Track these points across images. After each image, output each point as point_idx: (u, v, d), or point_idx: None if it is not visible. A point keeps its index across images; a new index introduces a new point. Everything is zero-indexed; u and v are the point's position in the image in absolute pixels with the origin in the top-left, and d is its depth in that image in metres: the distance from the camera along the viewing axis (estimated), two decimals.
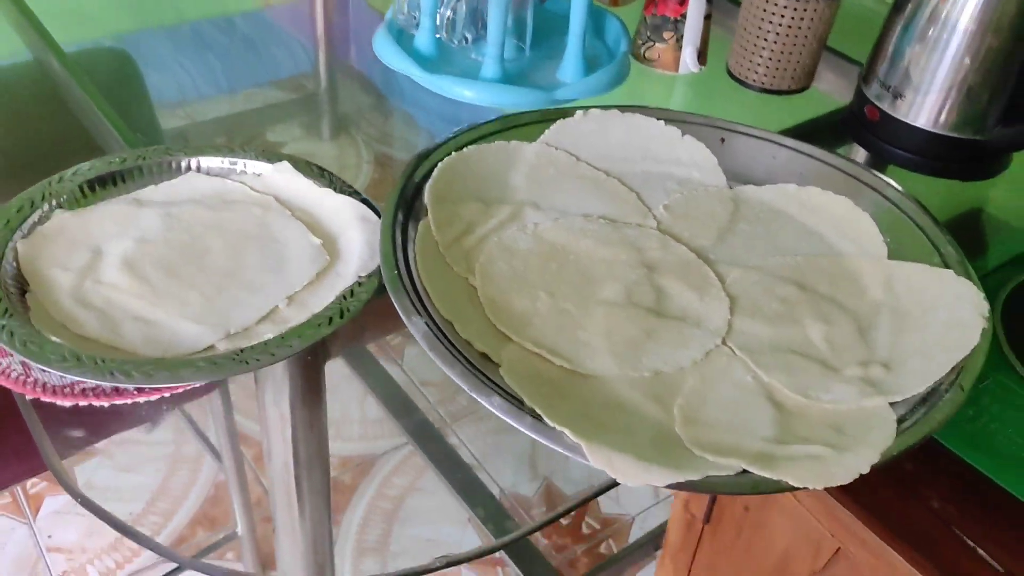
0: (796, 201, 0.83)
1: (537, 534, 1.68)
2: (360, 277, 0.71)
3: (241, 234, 0.76)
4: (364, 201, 0.79)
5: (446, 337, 0.62)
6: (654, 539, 1.66)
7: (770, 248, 0.78)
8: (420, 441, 1.64)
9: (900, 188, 0.80)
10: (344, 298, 0.70)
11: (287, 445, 0.75)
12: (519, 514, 1.64)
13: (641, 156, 0.87)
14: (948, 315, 0.69)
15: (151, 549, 1.59)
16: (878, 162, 0.97)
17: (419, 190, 0.77)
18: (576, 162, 0.85)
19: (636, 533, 1.72)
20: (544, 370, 0.64)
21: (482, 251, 0.73)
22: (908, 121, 0.93)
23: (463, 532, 1.64)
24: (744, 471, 0.56)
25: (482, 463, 1.53)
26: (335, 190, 0.80)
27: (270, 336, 0.66)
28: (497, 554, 1.61)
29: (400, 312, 0.63)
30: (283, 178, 0.82)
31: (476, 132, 0.83)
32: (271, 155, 0.83)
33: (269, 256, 0.74)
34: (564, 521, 1.71)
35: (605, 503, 1.76)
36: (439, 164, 0.79)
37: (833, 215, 0.81)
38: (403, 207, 0.74)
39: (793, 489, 0.55)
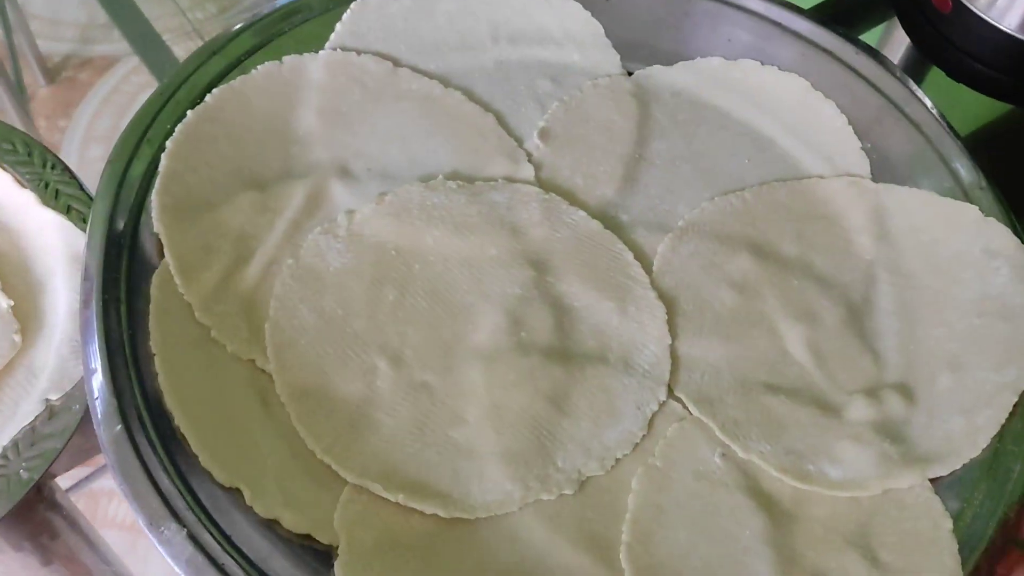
0: (725, 86, 0.55)
1: None
2: (50, 400, 0.42)
3: None
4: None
5: (232, 547, 0.36)
6: None
7: (700, 178, 0.52)
8: None
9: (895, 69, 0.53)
10: (27, 439, 0.41)
11: None
12: None
13: (490, 37, 0.56)
14: (981, 285, 0.47)
15: None
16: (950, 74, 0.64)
17: (143, 197, 0.46)
18: (393, 71, 0.54)
19: None
20: (405, 532, 0.40)
21: (271, 295, 0.45)
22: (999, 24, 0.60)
23: None
24: None
25: None
26: (45, 187, 0.48)
27: None
28: None
29: (140, 521, 0.36)
30: None
31: (222, 57, 0.51)
32: None
33: None
34: None
35: None
36: (167, 142, 0.47)
37: (783, 106, 0.55)
38: (127, 243, 0.44)
39: None
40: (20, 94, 1.44)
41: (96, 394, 0.38)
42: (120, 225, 0.44)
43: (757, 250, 0.49)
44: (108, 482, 1.08)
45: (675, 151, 0.53)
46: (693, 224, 0.50)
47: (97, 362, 0.39)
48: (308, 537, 0.38)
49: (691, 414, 0.44)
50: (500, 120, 0.53)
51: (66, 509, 0.49)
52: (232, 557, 0.36)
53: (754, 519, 0.41)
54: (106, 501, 1.03)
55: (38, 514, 0.46)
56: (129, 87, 1.58)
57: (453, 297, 0.46)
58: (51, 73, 1.56)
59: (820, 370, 0.46)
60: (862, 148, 0.53)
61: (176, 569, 0.35)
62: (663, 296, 0.47)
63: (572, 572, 0.39)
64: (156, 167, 0.46)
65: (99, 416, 0.38)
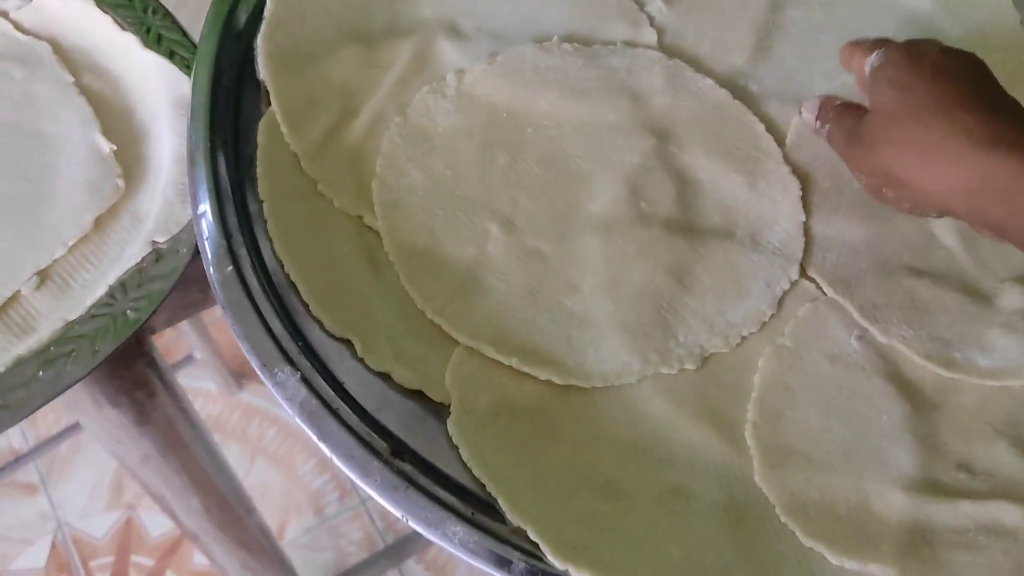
0: None
1: None
2: (157, 242, 0.41)
3: None
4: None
5: (345, 396, 0.35)
6: None
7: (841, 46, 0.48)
8: None
9: None
10: (134, 280, 0.39)
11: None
12: None
13: None
14: None
15: None
16: None
17: (249, 42, 0.44)
18: None
19: None
20: (519, 395, 0.37)
21: (378, 152, 0.43)
22: None
23: None
24: None
25: None
26: (146, 31, 0.45)
27: (3, 361, 0.37)
28: None
29: (253, 363, 0.35)
30: (66, 7, 0.47)
31: None
32: None
33: (21, 174, 0.42)
34: None
35: None
36: None
37: None
38: (230, 89, 0.42)
39: None
40: None
41: (206, 234, 0.37)
42: (226, 69, 0.42)
43: None
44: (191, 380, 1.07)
45: (813, 20, 0.49)
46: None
47: (206, 204, 0.37)
48: (419, 394, 0.36)
49: (824, 295, 0.41)
50: None
51: (164, 370, 0.49)
52: (346, 403, 0.34)
53: (894, 405, 0.38)
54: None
55: (138, 368, 0.45)
56: None
57: (568, 164, 0.43)
58: None
59: (970, 256, 0.42)
60: (1021, 22, 0.48)
61: (290, 411, 0.33)
62: (797, 171, 0.44)
63: (695, 448, 0.37)
64: (261, 13, 0.44)
65: (209, 257, 0.36)
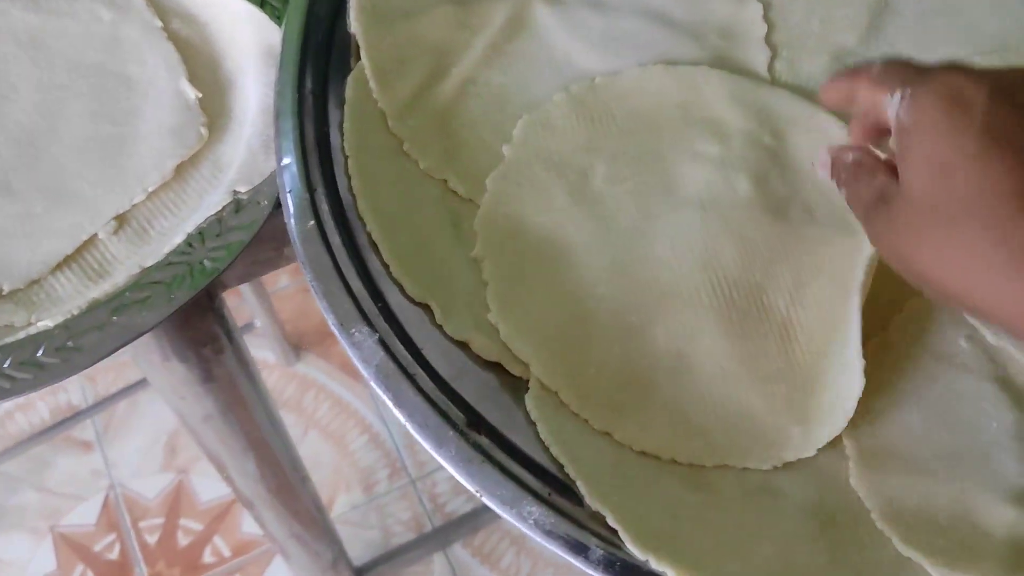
0: None
1: None
2: (239, 192, 0.40)
3: (70, 65, 0.43)
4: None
5: (422, 362, 0.33)
6: None
7: (957, 36, 0.45)
8: None
9: None
10: (213, 229, 0.38)
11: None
12: None
13: None
14: None
15: None
16: None
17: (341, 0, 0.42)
18: None
19: None
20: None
21: (466, 115, 0.41)
22: None
23: None
24: None
25: None
26: None
27: (77, 303, 0.37)
28: None
29: (330, 321, 0.33)
30: None
31: None
32: None
33: (105, 117, 0.42)
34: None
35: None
36: None
37: None
38: (320, 42, 0.41)
39: None
40: None
41: (289, 187, 0.36)
42: (317, 20, 0.41)
43: None
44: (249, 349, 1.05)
45: (929, 2, 0.46)
46: None
47: (291, 155, 0.36)
48: (497, 365, 0.35)
49: None
50: None
51: (232, 328, 0.48)
52: (423, 370, 0.32)
53: (1003, 412, 0.35)
54: None
55: (207, 323, 0.44)
56: None
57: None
58: None
59: None
60: None
61: (365, 374, 0.32)
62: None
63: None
64: None
65: (291, 210, 0.35)
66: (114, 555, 1.07)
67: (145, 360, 0.45)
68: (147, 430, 1.14)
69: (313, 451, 1.12)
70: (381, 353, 0.32)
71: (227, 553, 1.06)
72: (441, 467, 0.32)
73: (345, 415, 1.15)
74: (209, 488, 1.10)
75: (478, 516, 1.03)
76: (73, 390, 1.18)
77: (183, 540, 1.07)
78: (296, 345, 1.19)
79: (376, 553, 1.01)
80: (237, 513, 1.08)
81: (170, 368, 0.46)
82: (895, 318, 0.37)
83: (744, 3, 0.46)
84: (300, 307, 1.21)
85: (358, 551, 1.02)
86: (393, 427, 1.13)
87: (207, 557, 1.06)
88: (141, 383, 1.13)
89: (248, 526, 1.07)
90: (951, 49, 0.44)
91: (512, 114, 0.42)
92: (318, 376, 1.18)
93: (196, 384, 0.48)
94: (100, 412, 1.15)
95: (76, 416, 1.15)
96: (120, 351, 0.36)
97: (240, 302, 1.10)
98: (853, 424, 0.35)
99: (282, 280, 1.23)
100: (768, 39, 0.45)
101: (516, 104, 0.42)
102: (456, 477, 0.31)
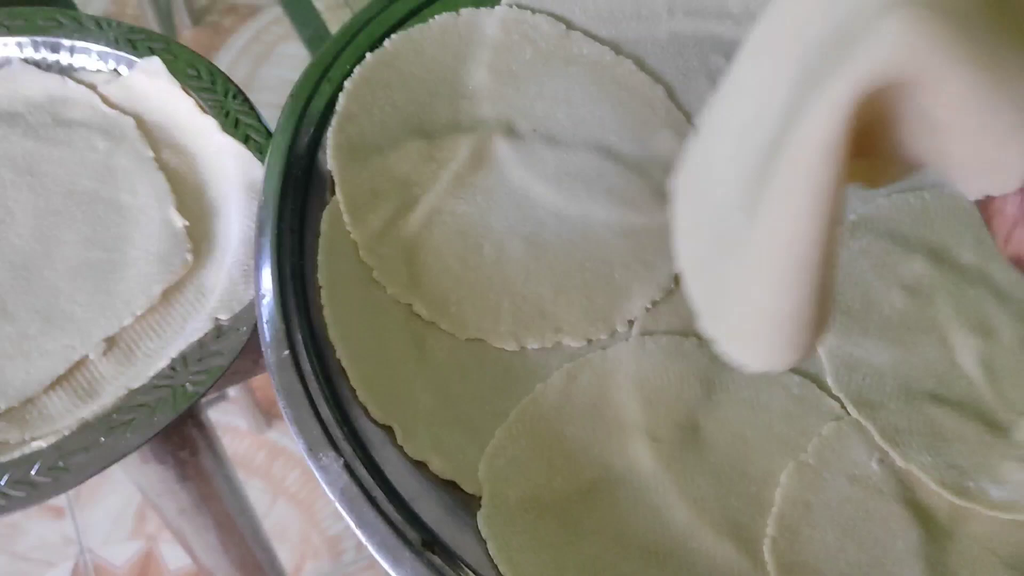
0: None
1: None
2: (220, 320, 0.43)
3: (65, 191, 0.47)
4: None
5: (383, 483, 0.37)
6: None
7: None
8: None
9: None
10: (195, 354, 0.42)
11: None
12: None
13: (666, 9, 0.55)
14: None
15: None
16: None
17: (320, 133, 0.47)
18: (566, 33, 0.53)
19: None
20: (547, 492, 0.39)
21: (432, 244, 0.45)
22: None
23: None
24: None
25: None
26: (225, 115, 0.49)
27: (67, 423, 0.40)
28: None
29: (300, 446, 0.37)
30: (152, 86, 0.50)
31: (402, 3, 0.51)
32: (139, 36, 0.51)
33: (97, 243, 0.46)
34: None
35: None
36: (346, 83, 0.48)
37: None
38: (299, 177, 0.45)
39: None
40: (169, 32, 1.48)
41: (266, 318, 0.39)
42: (297, 158, 0.45)
43: (933, 254, 0.47)
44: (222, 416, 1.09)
45: None
46: (866, 220, 0.47)
47: (269, 287, 0.40)
48: (454, 484, 0.38)
49: (848, 415, 0.42)
50: (670, 93, 0.52)
51: (209, 431, 0.51)
52: (384, 492, 0.36)
53: (908, 530, 0.39)
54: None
55: (185, 429, 0.48)
56: (269, 37, 1.62)
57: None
58: (197, 15, 1.62)
59: (991, 386, 0.43)
60: None
61: (331, 497, 0.35)
62: None
63: (714, 558, 0.38)
64: (333, 106, 0.47)
65: (268, 339, 0.39)
66: None
67: (124, 463, 0.48)
68: (118, 496, 1.16)
69: (281, 518, 1.13)
70: (345, 477, 0.36)
71: None
72: None
73: (314, 483, 1.15)
74: (177, 556, 1.11)
75: None
76: None
77: None
78: (267, 412, 1.21)
79: None
80: None
81: (149, 470, 0.49)
82: (814, 441, 0.41)
83: (686, 140, 0.50)
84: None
85: None
86: None
87: None
88: None
89: None
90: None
91: (473, 242, 0.46)
92: (288, 443, 1.20)
93: (172, 482, 0.51)
94: None
95: None
96: None
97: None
98: (774, 540, 0.39)
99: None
100: None
101: (476, 232, 0.46)
102: None
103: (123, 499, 1.15)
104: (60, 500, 1.16)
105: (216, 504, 0.57)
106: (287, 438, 1.21)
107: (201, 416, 0.48)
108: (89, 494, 1.16)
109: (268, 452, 1.20)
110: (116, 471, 1.15)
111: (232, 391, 1.13)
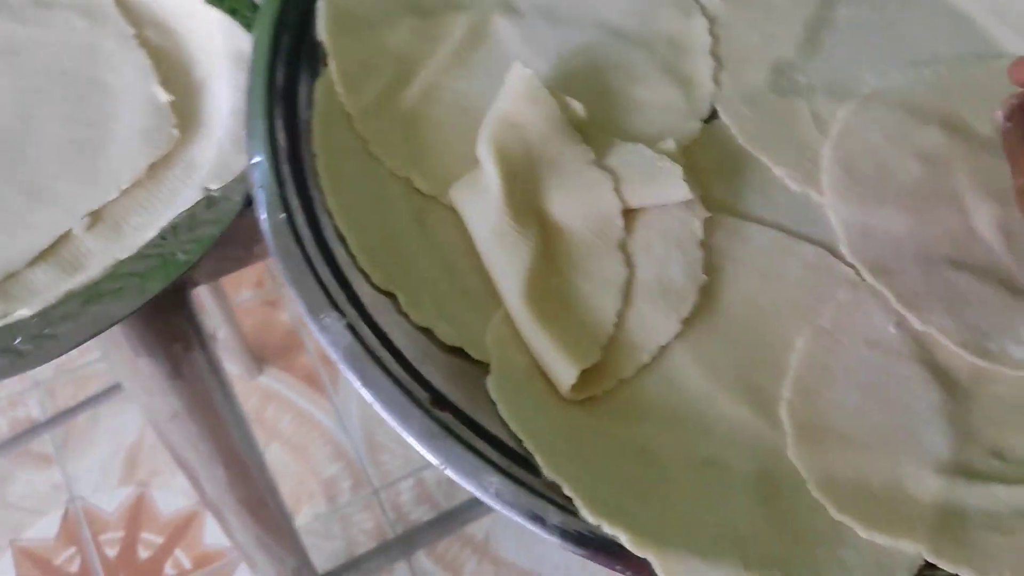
0: None
1: None
2: (210, 189, 0.42)
3: (46, 71, 0.44)
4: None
5: (388, 346, 0.35)
6: None
7: (890, 49, 0.48)
8: None
9: None
10: (185, 224, 0.40)
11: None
12: None
13: None
14: None
15: None
16: None
17: (309, 4, 0.45)
18: None
19: None
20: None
21: (429, 120, 0.43)
22: None
23: None
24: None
25: None
26: None
27: (54, 294, 0.38)
28: None
29: (300, 308, 0.35)
30: None
31: None
32: None
33: (80, 120, 0.43)
34: None
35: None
36: None
37: None
38: (288, 48, 0.43)
39: None
40: None
41: (259, 183, 0.37)
42: (286, 28, 0.43)
43: (949, 125, 0.45)
44: None
45: (863, 18, 0.49)
46: (881, 92, 0.46)
47: (262, 154, 0.38)
48: (460, 351, 0.37)
49: (864, 281, 0.41)
50: None
51: (200, 326, 0.49)
52: (389, 352, 0.34)
53: (930, 391, 0.38)
54: None
55: (176, 319, 0.46)
56: None
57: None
58: None
59: (1009, 251, 0.42)
60: None
61: (333, 357, 0.34)
62: (841, 163, 0.44)
63: (730, 421, 0.37)
64: None
65: (263, 204, 0.37)
66: (74, 569, 1.06)
67: (115, 356, 0.47)
68: (106, 443, 1.14)
69: (276, 463, 1.12)
70: (349, 337, 0.34)
71: (188, 565, 1.06)
72: (404, 477, 0.33)
73: (308, 427, 1.15)
74: (169, 501, 1.10)
75: (441, 525, 1.04)
76: (32, 404, 1.17)
77: (144, 553, 1.07)
78: (259, 358, 1.19)
79: (340, 562, 1.02)
80: (198, 526, 1.08)
81: (140, 364, 0.47)
82: (830, 307, 0.40)
83: (691, 17, 0.49)
84: (263, 319, 1.22)
85: (322, 561, 1.02)
86: (356, 438, 1.14)
87: (168, 570, 1.06)
88: (100, 396, 1.13)
89: (210, 538, 1.07)
90: (884, 61, 0.48)
91: (474, 119, 0.44)
92: (281, 388, 1.19)
93: (164, 380, 0.49)
94: (59, 426, 1.15)
95: (35, 430, 1.14)
96: (90, 347, 0.37)
97: (204, 314, 1.11)
98: (790, 403, 0.38)
99: (244, 293, 1.24)
100: (714, 51, 0.48)
101: (477, 110, 0.44)
102: (420, 452, 0.33)
103: (112, 446, 1.14)
104: (47, 447, 1.14)
105: (210, 413, 0.55)
106: (279, 383, 1.19)
107: (192, 308, 0.47)
108: (76, 441, 1.14)
109: (260, 397, 1.18)
110: (105, 413, 1.13)
111: (221, 334, 1.11)
